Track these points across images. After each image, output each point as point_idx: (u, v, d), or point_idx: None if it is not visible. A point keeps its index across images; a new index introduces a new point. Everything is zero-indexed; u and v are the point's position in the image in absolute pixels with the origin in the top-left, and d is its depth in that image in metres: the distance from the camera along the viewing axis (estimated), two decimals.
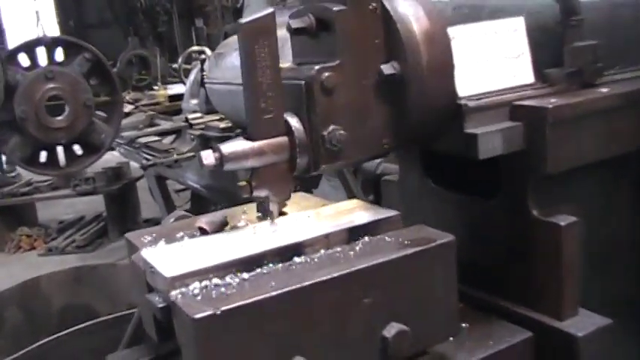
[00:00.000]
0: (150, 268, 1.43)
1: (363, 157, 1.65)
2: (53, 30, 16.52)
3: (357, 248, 1.47)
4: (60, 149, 5.67)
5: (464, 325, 1.66)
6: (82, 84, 5.46)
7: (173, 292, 1.32)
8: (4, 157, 10.32)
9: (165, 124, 6.93)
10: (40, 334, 3.98)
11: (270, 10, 1.45)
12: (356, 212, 1.62)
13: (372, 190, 2.22)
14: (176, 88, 9.50)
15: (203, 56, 6.49)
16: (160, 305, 1.35)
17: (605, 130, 1.80)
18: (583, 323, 1.69)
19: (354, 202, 1.71)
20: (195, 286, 1.33)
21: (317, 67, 1.48)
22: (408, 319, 1.41)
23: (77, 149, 5.76)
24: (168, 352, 1.67)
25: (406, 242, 1.47)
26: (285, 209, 1.72)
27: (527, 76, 1.83)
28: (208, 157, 1.45)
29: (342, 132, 1.50)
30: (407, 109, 1.57)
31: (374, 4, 1.55)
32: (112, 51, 12.31)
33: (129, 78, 12.59)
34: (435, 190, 1.99)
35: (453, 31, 1.66)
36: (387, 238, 1.51)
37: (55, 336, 3.82)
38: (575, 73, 1.83)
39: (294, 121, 1.49)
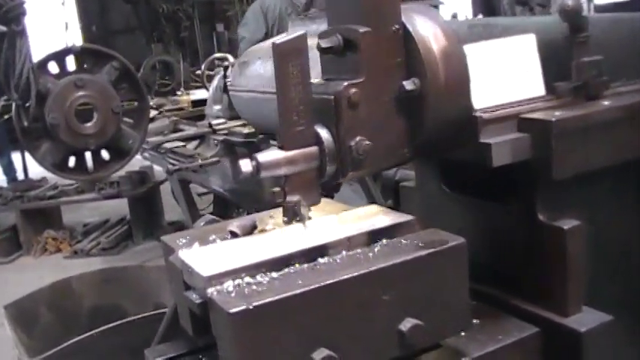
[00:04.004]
0: (187, 268, 1.54)
1: (385, 165, 1.76)
2: (76, 35, 16.65)
3: (376, 250, 1.57)
4: (88, 154, 5.78)
5: (476, 320, 1.74)
6: (110, 91, 5.58)
7: (210, 290, 1.43)
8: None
9: (189, 130, 7.01)
10: (71, 333, 4.06)
11: (302, 32, 1.57)
12: (375, 217, 1.72)
13: (391, 195, 2.33)
14: (199, 94, 9.59)
15: (226, 63, 6.59)
16: (198, 301, 1.46)
17: (607, 140, 1.90)
18: (586, 320, 1.78)
19: (373, 208, 1.82)
20: (229, 284, 1.43)
21: (345, 84, 1.59)
22: (423, 314, 1.51)
23: (105, 154, 5.87)
24: (202, 346, 1.79)
25: (421, 244, 1.56)
26: (309, 214, 1.85)
27: (539, 89, 1.94)
28: (246, 165, 1.56)
29: (367, 142, 1.60)
30: (425, 121, 1.67)
31: (396, 26, 1.64)
32: (135, 56, 12.45)
33: (152, 83, 12.70)
34: (450, 195, 2.10)
35: (468, 49, 1.76)
36: (403, 240, 1.60)
37: (86, 335, 3.93)
38: (581, 87, 1.93)
39: (323, 132, 1.60)
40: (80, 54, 5.81)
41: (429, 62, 1.64)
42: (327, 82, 1.67)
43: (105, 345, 3.88)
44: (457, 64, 1.69)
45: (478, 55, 1.83)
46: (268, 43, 4.94)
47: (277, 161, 1.57)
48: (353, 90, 1.59)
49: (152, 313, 4.00)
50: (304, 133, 1.59)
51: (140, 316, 4.03)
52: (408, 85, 1.64)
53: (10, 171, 10.81)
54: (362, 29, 1.60)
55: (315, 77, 1.69)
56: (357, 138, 1.60)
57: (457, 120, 1.72)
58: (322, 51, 1.68)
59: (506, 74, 1.91)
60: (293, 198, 1.60)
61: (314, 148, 1.60)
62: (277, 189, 1.61)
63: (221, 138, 5.83)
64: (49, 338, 4.28)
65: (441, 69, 1.65)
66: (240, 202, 6.03)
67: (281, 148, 1.58)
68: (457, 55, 1.69)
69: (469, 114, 1.76)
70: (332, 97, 1.59)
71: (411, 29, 1.66)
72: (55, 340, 4.02)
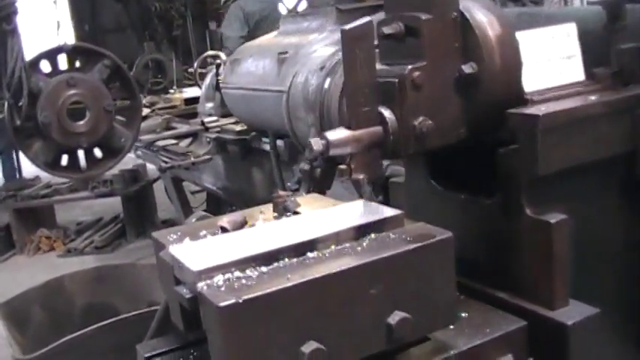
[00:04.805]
0: (178, 263, 1.55)
1: (444, 143, 1.84)
2: (68, 34, 16.59)
3: (364, 244, 1.58)
4: (81, 153, 5.76)
5: (463, 314, 1.78)
6: (102, 90, 5.57)
7: (199, 284, 1.43)
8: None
9: (181, 128, 7.01)
10: (64, 331, 4.07)
11: (369, 18, 1.68)
12: (363, 212, 1.73)
13: (382, 192, 2.34)
14: (191, 92, 9.58)
15: (218, 61, 6.60)
16: (188, 296, 1.47)
17: (594, 135, 1.92)
18: (573, 313, 1.79)
19: (361, 203, 1.85)
20: (219, 279, 1.44)
21: (409, 67, 1.72)
22: (410, 307, 1.52)
23: (97, 153, 5.85)
24: (193, 340, 1.81)
25: (408, 239, 1.57)
26: (299, 209, 1.86)
27: (579, 74, 2.06)
28: (317, 143, 1.67)
29: (429, 122, 1.73)
30: (481, 102, 1.80)
31: (455, 14, 1.78)
32: (128, 54, 12.41)
33: (145, 82, 12.65)
34: (439, 191, 2.12)
35: (518, 36, 1.87)
36: (391, 235, 1.61)
37: (79, 333, 3.94)
38: (618, 73, 2.04)
39: (387, 113, 1.73)
40: (72, 53, 5.79)
41: (487, 47, 1.78)
42: (389, 67, 1.80)
43: (98, 343, 3.89)
44: (511, 49, 1.83)
45: (525, 42, 1.93)
46: (259, 41, 4.95)
47: (345, 139, 1.69)
48: (416, 73, 1.72)
49: (145, 310, 4.02)
50: (369, 114, 1.71)
51: (133, 313, 4.04)
52: (467, 68, 1.78)
53: (11, 170, 10.81)
54: (424, 16, 1.74)
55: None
56: (420, 118, 1.73)
57: (510, 101, 1.85)
58: (383, 37, 1.80)
59: (549, 60, 2.03)
60: (359, 175, 1.74)
61: (378, 128, 1.73)
62: (344, 166, 1.74)
63: (213, 136, 5.84)
64: (42, 336, 4.30)
65: (497, 54, 1.79)
66: (232, 200, 6.04)
67: (348, 128, 1.70)
68: (511, 41, 1.83)
69: (521, 96, 1.88)
70: (396, 79, 1.72)
71: (468, 17, 1.79)
72: (48, 338, 4.02)
